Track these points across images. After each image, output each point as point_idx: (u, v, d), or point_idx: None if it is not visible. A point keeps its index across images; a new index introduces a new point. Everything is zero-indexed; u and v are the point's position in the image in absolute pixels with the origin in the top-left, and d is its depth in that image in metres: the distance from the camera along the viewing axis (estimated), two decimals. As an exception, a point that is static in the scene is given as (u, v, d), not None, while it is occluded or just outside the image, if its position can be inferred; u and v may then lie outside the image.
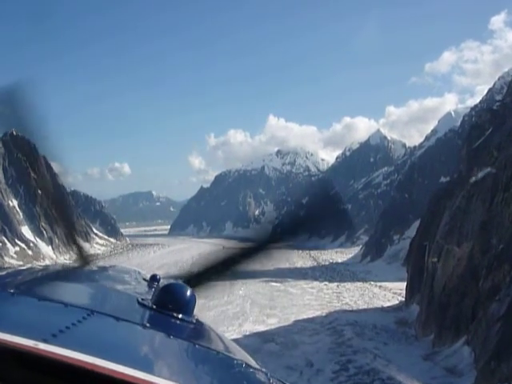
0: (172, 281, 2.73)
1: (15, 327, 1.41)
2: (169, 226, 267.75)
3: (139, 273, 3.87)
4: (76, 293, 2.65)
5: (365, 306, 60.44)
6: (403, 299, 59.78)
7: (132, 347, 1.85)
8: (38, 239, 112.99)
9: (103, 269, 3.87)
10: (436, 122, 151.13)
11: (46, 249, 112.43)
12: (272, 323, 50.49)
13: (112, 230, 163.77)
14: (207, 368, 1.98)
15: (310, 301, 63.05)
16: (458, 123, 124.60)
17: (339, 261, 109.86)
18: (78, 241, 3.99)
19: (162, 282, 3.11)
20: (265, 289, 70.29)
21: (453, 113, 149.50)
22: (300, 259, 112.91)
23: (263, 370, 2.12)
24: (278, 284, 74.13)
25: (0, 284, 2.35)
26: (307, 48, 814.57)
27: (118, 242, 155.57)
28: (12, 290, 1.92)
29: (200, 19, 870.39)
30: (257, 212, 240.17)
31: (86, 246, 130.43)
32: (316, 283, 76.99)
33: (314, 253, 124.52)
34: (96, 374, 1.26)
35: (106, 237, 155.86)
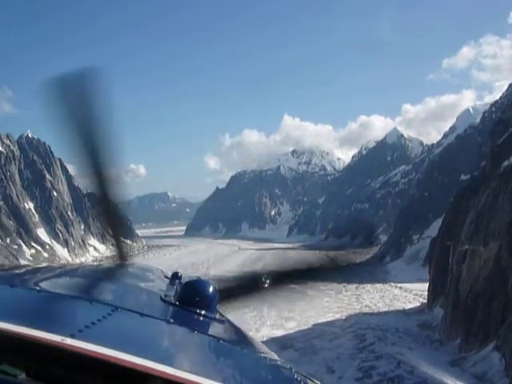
0: (194, 277, 2.73)
1: (42, 323, 1.47)
2: (185, 227, 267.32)
3: (161, 270, 3.95)
4: (100, 289, 2.69)
5: (385, 309, 58.74)
6: (425, 301, 58.06)
7: (157, 343, 1.93)
8: (53, 241, 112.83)
9: (125, 266, 3.84)
10: (454, 120, 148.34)
11: (61, 251, 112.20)
12: (290, 327, 49.06)
13: (128, 232, 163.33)
14: (233, 363, 2.04)
15: (329, 303, 61.48)
16: (477, 120, 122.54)
17: (357, 261, 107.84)
18: (121, 240, 4.01)
19: (184, 280, 3.04)
20: (282, 291, 68.76)
21: (471, 109, 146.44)
22: (317, 260, 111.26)
23: (287, 364, 2.14)
24: (295, 286, 72.36)
25: (23, 280, 2.43)
26: (322, 47, 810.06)
27: (134, 244, 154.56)
28: (37, 287, 2.00)
29: (214, 20, 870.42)
30: (273, 212, 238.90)
31: (101, 247, 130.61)
32: (334, 285, 75.10)
33: (331, 253, 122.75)
34: (123, 368, 1.30)
35: (121, 238, 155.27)
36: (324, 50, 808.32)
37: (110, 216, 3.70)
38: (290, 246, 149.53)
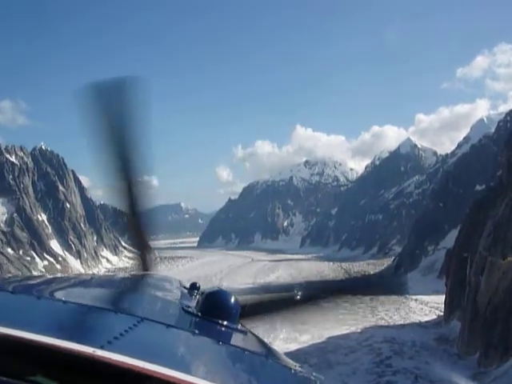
0: (215, 288, 2.70)
1: (71, 334, 1.51)
2: (197, 238, 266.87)
3: (179, 281, 3.89)
4: (122, 300, 2.73)
5: (401, 322, 57.72)
6: (442, 314, 57.07)
7: (186, 354, 1.96)
8: (66, 253, 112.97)
9: (143, 276, 3.83)
10: (468, 129, 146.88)
11: (74, 262, 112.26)
12: (304, 341, 48.21)
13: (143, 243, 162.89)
14: (261, 374, 2.08)
15: (344, 315, 60.32)
16: (492, 130, 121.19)
17: (371, 273, 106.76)
18: (146, 251, 3.99)
19: (203, 290, 3.05)
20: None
21: (485, 119, 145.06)
22: (331, 271, 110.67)
23: (314, 376, 2.23)
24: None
25: (47, 292, 2.43)
26: (334, 58, 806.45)
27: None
28: (62, 298, 2.02)
29: (228, 32, 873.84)
30: (285, 223, 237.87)
31: (114, 259, 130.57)
32: (348, 296, 74.11)
33: (345, 265, 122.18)
34: (155, 379, 1.33)
35: (134, 250, 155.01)
36: (336, 61, 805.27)
37: (136, 225, 3.72)
38: (303, 257, 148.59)
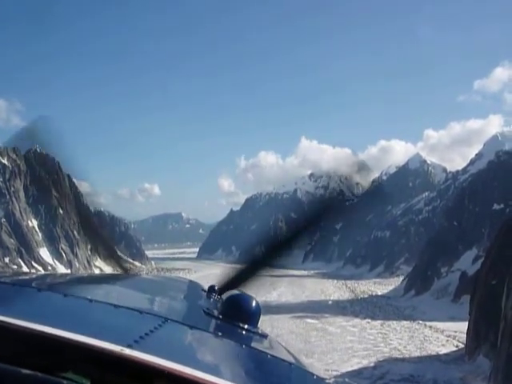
0: (236, 292, 2.71)
1: (99, 332, 1.53)
2: (197, 249, 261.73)
3: (197, 283, 4.00)
4: (147, 300, 2.76)
5: (417, 353, 51.52)
6: (462, 345, 51.22)
7: (210, 355, 1.99)
8: (56, 262, 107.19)
9: (164, 278, 4.08)
10: (480, 146, 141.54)
11: (64, 272, 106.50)
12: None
13: (137, 253, 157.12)
14: (285, 378, 2.11)
15: (353, 343, 54.46)
16: (506, 147, 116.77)
17: (379, 293, 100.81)
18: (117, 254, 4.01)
19: (224, 294, 3.09)
20: (299, 327, 62.10)
21: (499, 136, 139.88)
22: (336, 290, 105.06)
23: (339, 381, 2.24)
24: (314, 321, 65.88)
25: (71, 289, 2.46)
26: (342, 70, 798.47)
27: (143, 266, 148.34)
28: (88, 297, 2.07)
29: (233, 42, 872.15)
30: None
31: (108, 269, 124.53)
32: (357, 320, 68.41)
33: (350, 283, 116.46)
34: (182, 379, 1.35)
35: (130, 260, 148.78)
36: (344, 73, 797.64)
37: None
38: (306, 273, 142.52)
